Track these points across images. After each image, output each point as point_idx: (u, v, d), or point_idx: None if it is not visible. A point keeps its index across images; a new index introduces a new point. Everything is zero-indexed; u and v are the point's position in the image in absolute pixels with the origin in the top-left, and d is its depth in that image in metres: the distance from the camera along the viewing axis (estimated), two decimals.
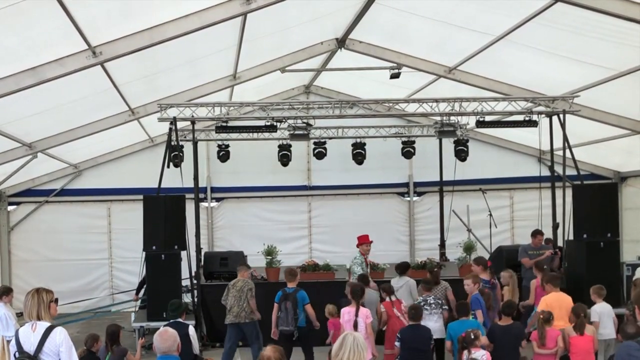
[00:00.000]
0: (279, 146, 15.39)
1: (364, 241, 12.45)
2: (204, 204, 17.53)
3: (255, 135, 14.97)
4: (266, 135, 14.60)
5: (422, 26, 11.90)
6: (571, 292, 11.54)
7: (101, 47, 9.02)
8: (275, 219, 18.21)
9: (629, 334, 7.23)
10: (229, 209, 18.36)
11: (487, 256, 14.79)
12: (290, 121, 13.84)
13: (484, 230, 16.58)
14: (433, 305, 10.00)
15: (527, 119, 13.40)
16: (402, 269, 11.61)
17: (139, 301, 14.25)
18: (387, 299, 10.24)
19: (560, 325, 8.98)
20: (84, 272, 17.40)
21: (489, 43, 11.67)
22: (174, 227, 12.41)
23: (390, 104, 14.24)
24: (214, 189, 18.26)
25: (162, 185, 12.83)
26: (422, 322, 9.29)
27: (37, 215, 17.57)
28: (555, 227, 13.16)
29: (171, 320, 8.92)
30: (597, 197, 12.79)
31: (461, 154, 14.94)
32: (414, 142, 16.33)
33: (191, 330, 8.76)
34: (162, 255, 12.39)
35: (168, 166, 12.96)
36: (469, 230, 16.46)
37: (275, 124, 13.40)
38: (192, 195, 13.32)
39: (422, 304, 9.89)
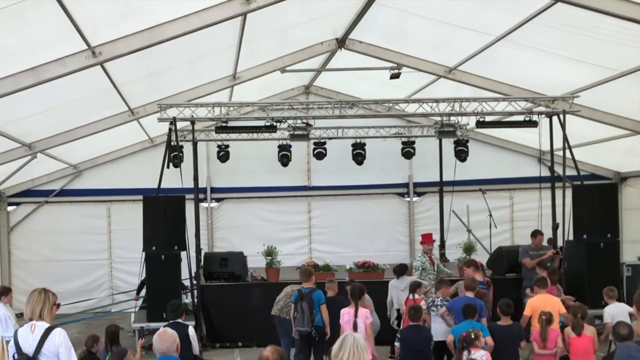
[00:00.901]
0: (279, 146, 15.38)
1: (426, 240, 12.43)
2: (203, 205, 17.53)
3: (255, 135, 14.96)
4: (266, 135, 14.58)
5: (422, 26, 11.90)
6: (571, 292, 11.59)
7: (101, 47, 9.02)
8: (275, 220, 18.21)
9: (622, 334, 7.24)
10: (229, 209, 18.36)
11: (486, 257, 14.83)
12: (290, 121, 13.84)
13: (483, 231, 16.57)
14: (439, 307, 9.98)
15: (527, 119, 13.40)
16: (400, 270, 11.61)
17: (140, 301, 14.24)
18: (410, 296, 10.29)
19: (551, 326, 8.92)
20: (83, 272, 17.40)
21: (489, 43, 11.67)
22: (174, 227, 12.42)
23: (390, 104, 14.24)
24: (213, 190, 18.27)
25: (162, 186, 12.84)
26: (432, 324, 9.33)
27: (37, 215, 17.57)
28: (555, 227, 13.16)
29: (171, 321, 8.89)
30: (597, 198, 12.81)
31: (461, 154, 14.93)
32: (414, 142, 16.32)
33: (191, 331, 8.74)
34: (162, 256, 12.41)
35: (168, 166, 12.97)
36: (469, 231, 16.46)
37: (275, 124, 13.40)
38: (192, 196, 13.32)
39: (429, 305, 9.89)
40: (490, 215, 16.48)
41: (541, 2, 9.73)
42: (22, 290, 16.06)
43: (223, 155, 15.56)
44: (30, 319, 5.96)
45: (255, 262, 14.15)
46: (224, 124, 13.37)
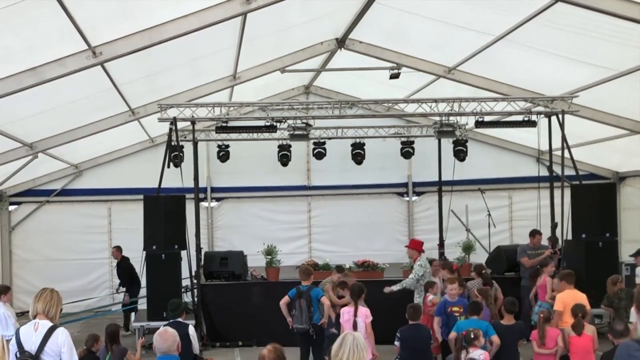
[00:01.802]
0: (279, 146, 15.40)
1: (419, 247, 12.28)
2: (204, 204, 17.55)
3: (255, 135, 14.98)
4: (266, 135, 14.60)
5: (422, 26, 11.91)
6: None
7: (101, 47, 9.04)
8: (275, 219, 18.23)
9: (618, 331, 7.26)
10: (229, 208, 18.39)
11: (485, 256, 14.86)
12: (290, 121, 13.86)
13: (482, 230, 16.60)
14: None
15: (526, 119, 13.42)
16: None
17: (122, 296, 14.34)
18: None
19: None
20: (84, 271, 17.42)
21: (488, 43, 11.69)
22: (174, 227, 12.46)
23: (390, 104, 14.28)
24: (214, 189, 18.29)
25: (163, 185, 12.87)
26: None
27: (38, 215, 17.59)
28: (553, 227, 13.17)
29: (171, 320, 8.92)
30: (595, 197, 12.84)
31: (460, 154, 14.95)
32: (413, 142, 16.34)
33: (191, 330, 8.77)
34: (162, 255, 12.45)
35: (168, 166, 13.00)
36: (468, 230, 16.48)
37: (275, 124, 13.42)
38: (192, 195, 13.35)
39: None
40: (489, 215, 16.51)
41: (541, 2, 9.75)
42: (23, 289, 16.15)
43: (223, 155, 15.58)
44: (35, 317, 5.97)
45: (255, 261, 14.19)
46: (224, 124, 13.40)
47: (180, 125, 13.42)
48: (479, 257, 14.92)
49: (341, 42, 13.52)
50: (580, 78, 12.37)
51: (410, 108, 14.09)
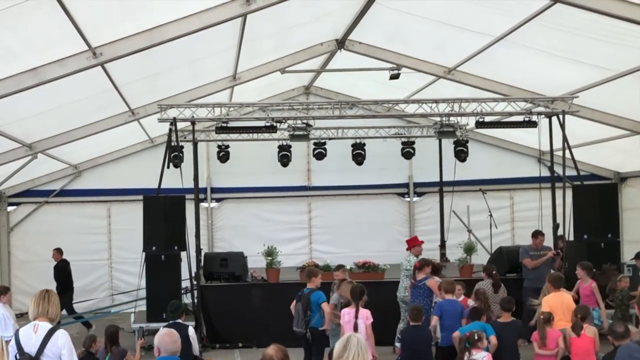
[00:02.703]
0: (279, 147, 15.39)
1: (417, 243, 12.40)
2: (204, 205, 17.53)
3: (255, 135, 14.98)
4: (266, 135, 14.59)
5: (422, 27, 11.90)
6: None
7: (101, 47, 9.03)
8: (275, 220, 18.21)
9: (618, 332, 7.24)
10: (229, 209, 18.37)
11: (487, 257, 14.83)
12: (290, 122, 13.85)
13: (484, 231, 16.57)
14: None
15: (526, 119, 13.40)
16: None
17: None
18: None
19: (562, 325, 8.97)
20: (83, 272, 17.33)
21: (488, 44, 11.67)
22: (174, 227, 12.43)
23: (390, 105, 14.26)
24: (214, 190, 18.27)
25: (162, 186, 12.85)
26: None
27: (37, 215, 17.57)
28: (555, 227, 13.16)
29: (171, 321, 8.90)
30: (597, 198, 12.83)
31: (461, 155, 14.93)
32: (413, 142, 16.33)
33: (191, 331, 8.74)
34: (162, 256, 12.42)
35: (168, 167, 12.98)
36: (469, 231, 16.45)
37: (275, 124, 13.40)
38: (192, 196, 13.33)
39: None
40: (491, 216, 16.48)
41: (540, 3, 9.74)
42: (22, 290, 16.12)
43: (223, 155, 15.56)
44: (35, 319, 5.95)
45: (256, 262, 14.16)
46: (224, 125, 13.38)
47: (180, 125, 13.41)
48: (481, 258, 14.89)
49: (341, 43, 13.50)
50: (580, 78, 12.36)
51: (411, 108, 14.09)
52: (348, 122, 15.64)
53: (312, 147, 16.01)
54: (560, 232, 13.22)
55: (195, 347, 8.84)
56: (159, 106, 12.76)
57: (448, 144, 15.30)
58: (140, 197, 13.14)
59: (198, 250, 13.31)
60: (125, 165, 17.65)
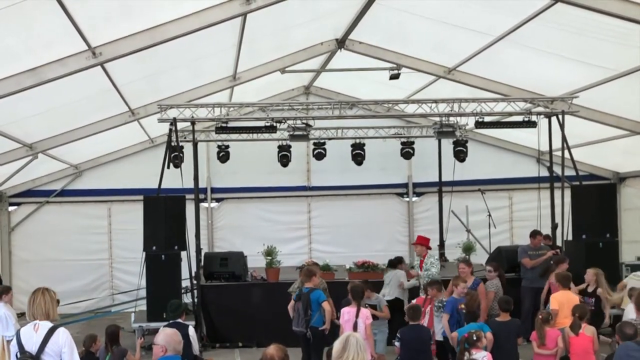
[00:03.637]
0: (279, 147, 15.40)
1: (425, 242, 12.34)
2: (204, 205, 17.54)
3: (255, 136, 14.99)
4: (266, 136, 14.61)
5: (422, 26, 11.92)
6: None
7: (101, 47, 9.04)
8: (275, 220, 18.22)
9: (627, 334, 7.27)
10: (229, 209, 18.38)
11: (485, 257, 14.85)
12: (290, 122, 13.86)
13: (483, 231, 16.60)
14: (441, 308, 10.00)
15: (526, 119, 13.42)
16: (393, 263, 11.86)
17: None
18: (422, 294, 10.56)
19: (567, 323, 8.98)
20: (84, 272, 17.40)
21: (488, 43, 11.69)
22: (174, 227, 12.45)
23: (390, 105, 14.27)
24: (214, 190, 18.28)
25: (163, 186, 12.87)
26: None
27: (38, 215, 17.58)
28: (554, 227, 13.18)
29: (171, 321, 8.92)
30: (596, 198, 12.85)
31: (460, 155, 14.95)
32: (413, 142, 16.35)
33: (191, 331, 8.76)
34: (162, 256, 12.44)
35: (168, 167, 13.00)
36: (468, 231, 16.47)
37: (274, 124, 13.42)
38: (192, 196, 13.35)
39: (438, 305, 9.93)
40: (490, 216, 16.51)
41: (541, 2, 9.75)
42: (23, 290, 16.05)
43: (223, 155, 15.57)
44: (33, 318, 5.97)
45: (255, 262, 14.17)
46: (224, 125, 13.40)
47: (180, 125, 13.42)
48: (480, 257, 14.92)
49: (341, 43, 13.51)
50: (580, 78, 12.37)
51: (410, 108, 14.10)
52: (348, 122, 15.65)
53: (312, 147, 16.03)
54: (551, 234, 13.24)
55: (196, 346, 8.86)
56: (159, 106, 12.77)
57: (447, 144, 15.32)
58: (141, 197, 13.16)
59: (198, 250, 13.32)
60: (125, 165, 17.66)
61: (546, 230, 13.49)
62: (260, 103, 15.38)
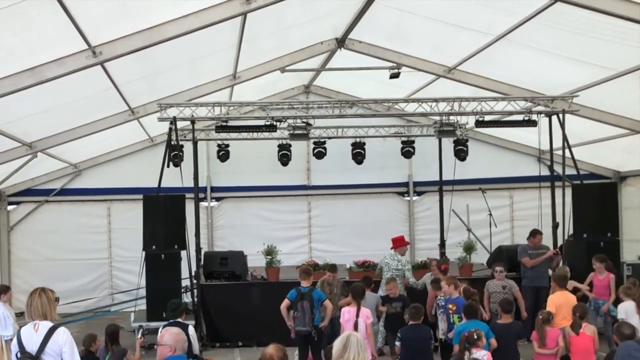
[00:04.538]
0: (279, 146, 15.38)
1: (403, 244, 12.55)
2: (203, 204, 17.53)
3: (255, 135, 14.97)
4: (266, 135, 14.59)
5: (422, 26, 11.90)
6: (571, 291, 11.59)
7: (101, 47, 9.03)
8: (275, 219, 18.21)
9: (625, 334, 7.25)
10: (229, 208, 18.37)
11: (486, 256, 14.83)
12: (290, 121, 13.85)
13: (483, 230, 16.57)
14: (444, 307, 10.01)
15: (526, 118, 13.41)
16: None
17: None
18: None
19: (565, 323, 8.98)
20: (83, 271, 17.39)
21: (488, 43, 11.67)
22: (174, 226, 12.45)
23: (390, 104, 14.27)
24: (213, 189, 18.27)
25: (162, 185, 12.86)
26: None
27: (37, 214, 17.56)
28: (555, 226, 13.17)
29: (171, 320, 8.91)
30: (596, 197, 12.85)
31: (461, 154, 14.93)
32: (413, 141, 16.32)
33: (191, 330, 8.74)
34: (162, 255, 12.45)
35: (168, 166, 12.98)
36: (469, 230, 16.45)
37: (275, 123, 13.41)
38: (192, 195, 13.34)
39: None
40: (490, 215, 16.49)
41: (541, 2, 9.74)
42: (22, 289, 16.07)
43: (223, 154, 15.56)
44: (31, 318, 5.96)
45: (255, 261, 14.17)
46: (224, 124, 13.38)
47: (180, 124, 13.41)
48: (480, 257, 14.91)
49: (341, 42, 13.50)
50: (580, 77, 12.36)
51: (411, 107, 14.08)
52: (348, 121, 15.62)
53: (312, 146, 16.00)
54: (551, 234, 13.23)
55: (195, 346, 8.85)
56: (158, 105, 12.76)
57: (448, 143, 15.29)
58: (140, 196, 13.16)
59: (198, 249, 13.31)
60: (125, 165, 17.64)
61: (547, 229, 13.47)
62: (260, 102, 15.36)
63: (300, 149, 16.89)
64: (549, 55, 11.63)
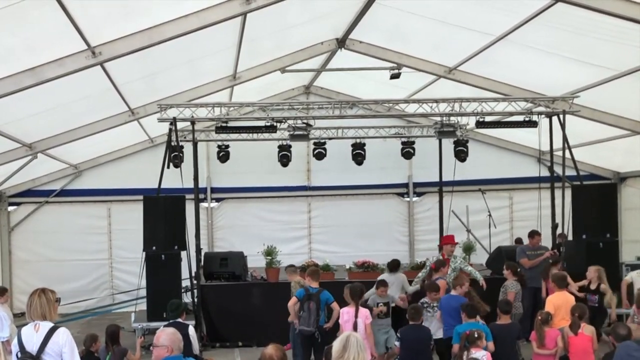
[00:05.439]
0: (279, 146, 15.38)
1: (449, 241, 12.18)
2: (203, 205, 17.54)
3: (255, 135, 14.97)
4: (266, 135, 14.59)
5: (422, 26, 11.90)
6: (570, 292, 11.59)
7: (101, 47, 9.02)
8: (275, 220, 18.21)
9: (621, 335, 7.27)
10: (229, 209, 18.38)
11: (486, 256, 14.84)
12: (290, 121, 13.85)
13: (483, 231, 16.59)
14: (436, 308, 10.00)
15: (526, 119, 13.40)
16: (393, 266, 11.68)
17: None
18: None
19: (564, 324, 8.98)
20: (84, 272, 17.39)
21: (489, 43, 11.67)
22: (174, 227, 12.45)
23: (390, 105, 14.25)
24: (213, 190, 18.27)
25: (162, 186, 12.86)
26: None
27: (38, 215, 17.56)
28: (554, 227, 13.17)
29: (171, 321, 8.92)
30: (596, 198, 12.84)
31: (461, 155, 14.92)
32: (413, 142, 16.31)
33: (191, 331, 8.76)
34: (162, 256, 12.45)
35: (168, 166, 12.98)
36: (469, 231, 16.46)
37: (275, 124, 13.40)
38: (192, 196, 13.33)
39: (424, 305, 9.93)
40: (490, 215, 16.50)
41: (541, 2, 9.73)
42: (22, 290, 16.13)
43: (223, 155, 15.55)
44: (31, 319, 5.97)
45: (255, 261, 14.18)
46: (224, 124, 13.38)
47: (180, 125, 13.40)
48: (480, 257, 14.91)
49: (341, 42, 13.50)
50: (581, 78, 12.35)
51: (411, 108, 14.08)
52: (348, 122, 15.63)
53: (312, 147, 15.99)
54: (560, 230, 13.22)
55: (196, 346, 8.86)
56: (158, 106, 12.76)
57: (448, 144, 15.29)
58: (140, 197, 13.15)
59: (198, 249, 13.31)
60: (125, 165, 17.65)
61: (546, 229, 13.47)
62: (261, 103, 15.37)
63: (300, 150, 16.90)
64: (549, 56, 11.62)
